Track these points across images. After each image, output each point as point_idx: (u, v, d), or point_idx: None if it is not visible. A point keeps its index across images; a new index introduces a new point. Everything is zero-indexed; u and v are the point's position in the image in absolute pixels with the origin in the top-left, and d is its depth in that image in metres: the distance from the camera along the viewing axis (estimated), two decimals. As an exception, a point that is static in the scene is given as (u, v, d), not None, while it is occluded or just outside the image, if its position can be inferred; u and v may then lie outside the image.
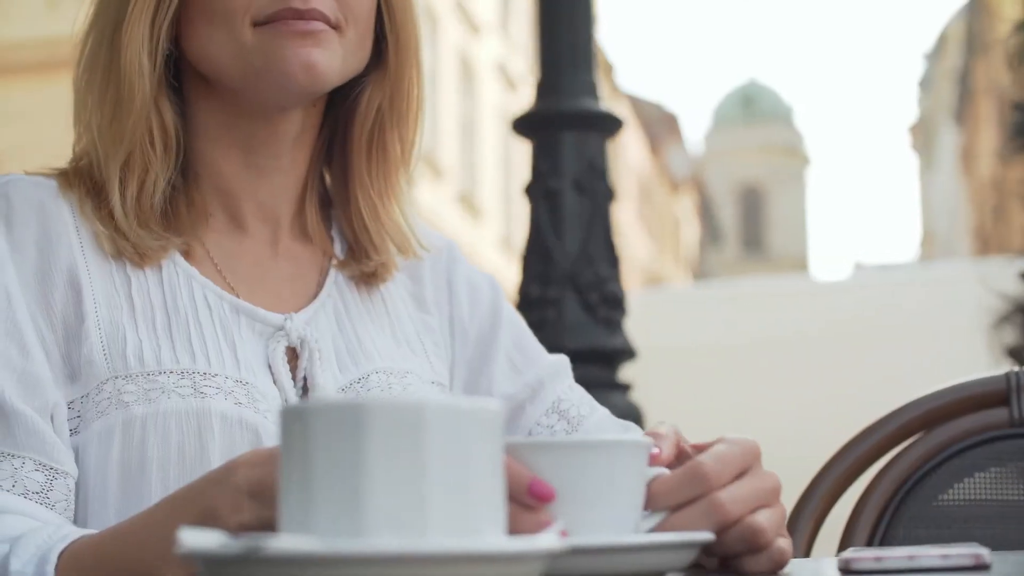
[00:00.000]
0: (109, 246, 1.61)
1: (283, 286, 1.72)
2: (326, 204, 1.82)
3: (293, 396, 1.62)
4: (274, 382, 1.62)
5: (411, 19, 1.74)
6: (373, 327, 1.75)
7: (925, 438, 1.98)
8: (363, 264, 1.77)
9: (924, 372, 8.60)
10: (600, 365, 3.75)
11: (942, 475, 1.96)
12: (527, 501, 1.14)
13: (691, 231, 68.70)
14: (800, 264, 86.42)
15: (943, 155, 65.51)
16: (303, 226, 1.77)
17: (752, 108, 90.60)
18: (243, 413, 1.56)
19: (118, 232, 1.61)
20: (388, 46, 1.72)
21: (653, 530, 1.22)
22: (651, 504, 1.23)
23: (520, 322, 1.86)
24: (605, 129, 3.86)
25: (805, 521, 1.97)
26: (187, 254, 1.66)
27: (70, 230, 1.61)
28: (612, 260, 3.79)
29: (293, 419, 0.94)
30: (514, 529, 1.08)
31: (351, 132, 1.75)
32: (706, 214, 75.97)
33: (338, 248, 1.80)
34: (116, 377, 1.54)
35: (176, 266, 1.64)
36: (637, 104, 51.91)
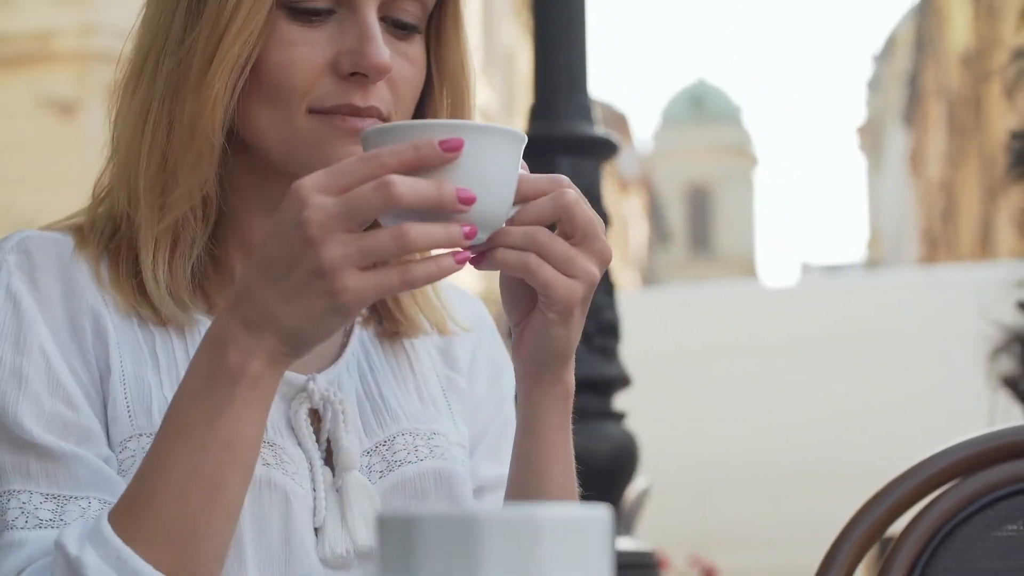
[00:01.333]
0: (127, 309, 1.57)
1: None
2: None
3: (318, 459, 1.58)
4: (298, 444, 1.58)
5: (470, 103, 1.68)
6: (398, 385, 1.70)
7: (957, 488, 1.94)
8: (389, 324, 1.73)
9: (872, 378, 8.63)
10: (595, 394, 3.69)
11: (975, 526, 1.93)
12: (457, 208, 1.31)
13: (639, 231, 68.85)
14: (747, 265, 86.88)
15: (891, 157, 65.97)
16: None
17: (701, 108, 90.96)
18: (272, 474, 1.52)
19: (139, 299, 1.56)
20: (437, 110, 1.66)
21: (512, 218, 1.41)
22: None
23: (513, 418, 1.79)
24: (601, 154, 3.83)
25: (835, 573, 1.93)
26: (209, 311, 1.61)
27: (91, 284, 1.56)
28: (608, 287, 3.75)
29: (394, 528, 0.90)
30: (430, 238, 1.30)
31: None
32: (655, 214, 76.17)
33: None
34: (140, 435, 1.50)
35: (199, 324, 1.59)
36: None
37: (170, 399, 1.48)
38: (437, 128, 1.35)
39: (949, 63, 40.77)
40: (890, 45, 58.46)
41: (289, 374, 1.58)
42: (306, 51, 1.54)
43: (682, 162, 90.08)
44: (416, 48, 1.60)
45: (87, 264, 1.57)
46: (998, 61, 30.45)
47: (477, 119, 1.63)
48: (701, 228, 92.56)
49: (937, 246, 47.53)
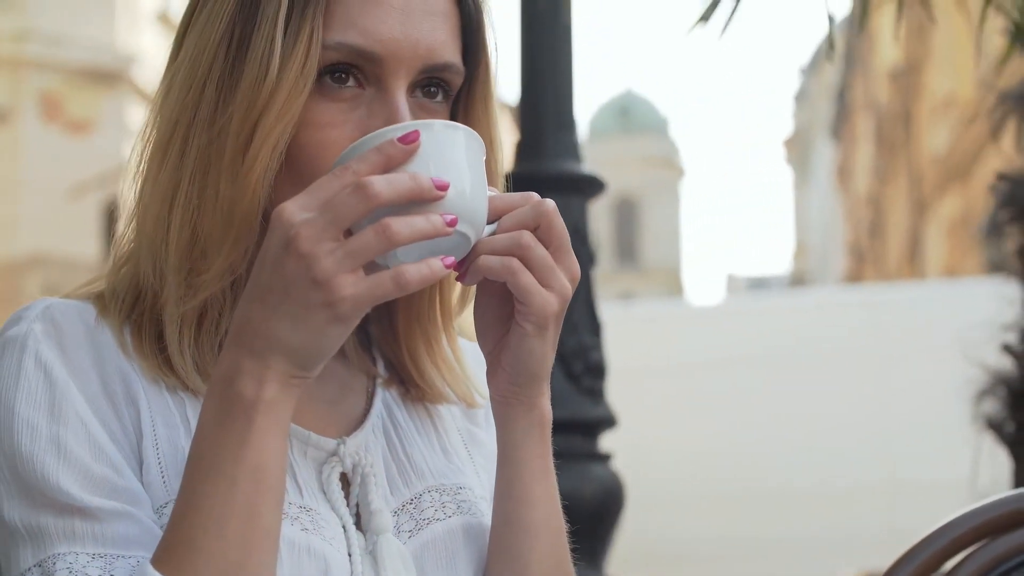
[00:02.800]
0: (157, 376, 1.55)
1: (327, 408, 1.66)
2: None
3: (351, 523, 1.57)
4: (331, 508, 1.57)
5: (500, 181, 1.66)
6: (422, 442, 1.70)
7: (983, 550, 1.92)
8: (415, 391, 1.72)
9: (793, 399, 8.68)
10: (581, 435, 3.66)
11: (1002, 590, 1.91)
12: (434, 194, 1.36)
13: (568, 241, 68.77)
14: (673, 277, 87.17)
15: (818, 170, 66.47)
16: (341, 347, 1.70)
17: (628, 119, 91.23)
18: (311, 540, 1.51)
19: (165, 369, 1.54)
20: None
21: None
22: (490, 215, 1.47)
23: None
24: (588, 192, 3.81)
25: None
26: None
27: (117, 351, 1.54)
28: (595, 328, 3.72)
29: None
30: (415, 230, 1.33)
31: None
32: (583, 225, 76.11)
33: (381, 367, 1.74)
34: (174, 501, 1.45)
35: None
36: (513, 112, 52.06)
37: None
38: (391, 131, 1.40)
39: (878, 78, 41.13)
40: (818, 58, 58.88)
41: (319, 438, 1.59)
42: (337, 133, 1.52)
43: (609, 173, 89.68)
44: None
45: (111, 332, 1.55)
46: (928, 80, 30.77)
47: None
48: (627, 240, 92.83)
49: (864, 260, 47.92)
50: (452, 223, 1.37)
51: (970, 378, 3.69)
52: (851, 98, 49.33)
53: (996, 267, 19.91)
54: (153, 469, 1.49)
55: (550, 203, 1.49)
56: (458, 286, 1.69)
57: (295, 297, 1.34)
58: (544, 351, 1.53)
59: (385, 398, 1.70)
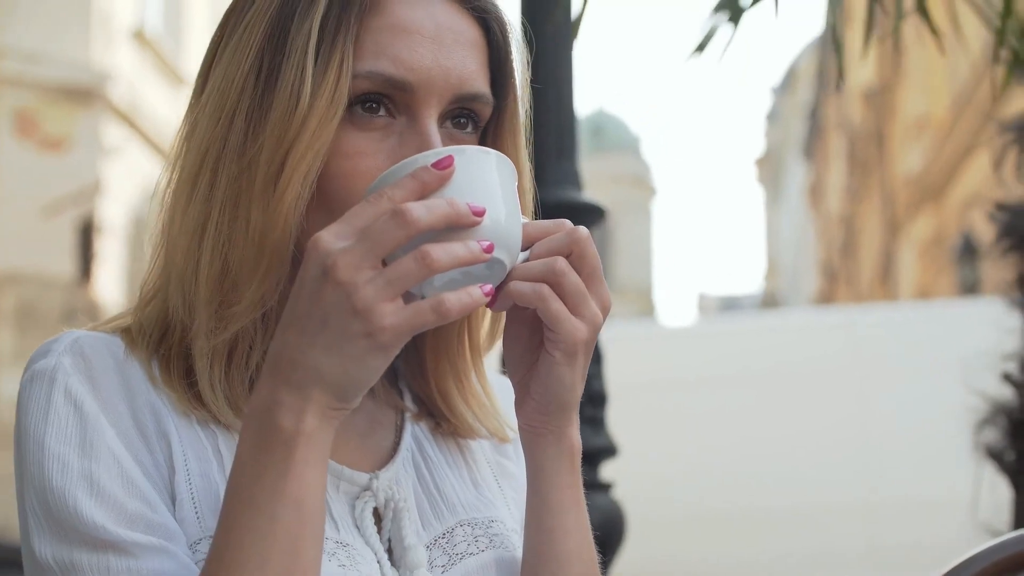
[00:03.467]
0: (187, 410, 1.53)
1: (358, 442, 1.65)
2: None
3: (385, 558, 1.56)
4: (365, 543, 1.56)
5: (528, 215, 1.66)
6: (452, 475, 1.69)
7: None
8: (446, 426, 1.72)
9: (768, 421, 8.67)
10: (582, 465, 3.63)
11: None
12: (471, 220, 1.35)
13: (540, 260, 68.82)
14: (645, 296, 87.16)
15: (790, 189, 66.59)
16: None
17: (600, 138, 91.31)
18: None
19: (195, 403, 1.53)
20: None
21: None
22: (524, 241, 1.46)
23: None
24: (590, 220, 3.79)
25: None
26: None
27: (147, 384, 1.53)
28: (596, 356, 3.71)
29: None
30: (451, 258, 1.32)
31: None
32: (555, 243, 76.20)
33: (408, 400, 1.73)
34: (210, 537, 1.46)
35: None
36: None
37: None
38: (425, 157, 1.39)
39: (851, 98, 41.22)
40: (790, 78, 59.03)
41: (352, 472, 1.58)
42: (369, 162, 1.52)
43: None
44: None
45: (140, 365, 1.54)
46: (901, 100, 30.87)
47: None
48: (600, 257, 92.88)
49: (837, 280, 48.01)
50: (489, 249, 1.36)
51: (970, 406, 3.68)
52: (823, 118, 49.44)
53: (969, 288, 19.89)
54: (187, 504, 1.48)
55: (583, 231, 1.49)
56: (487, 320, 1.69)
57: (334, 326, 1.32)
58: (573, 380, 1.51)
59: (414, 431, 1.70)
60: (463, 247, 1.34)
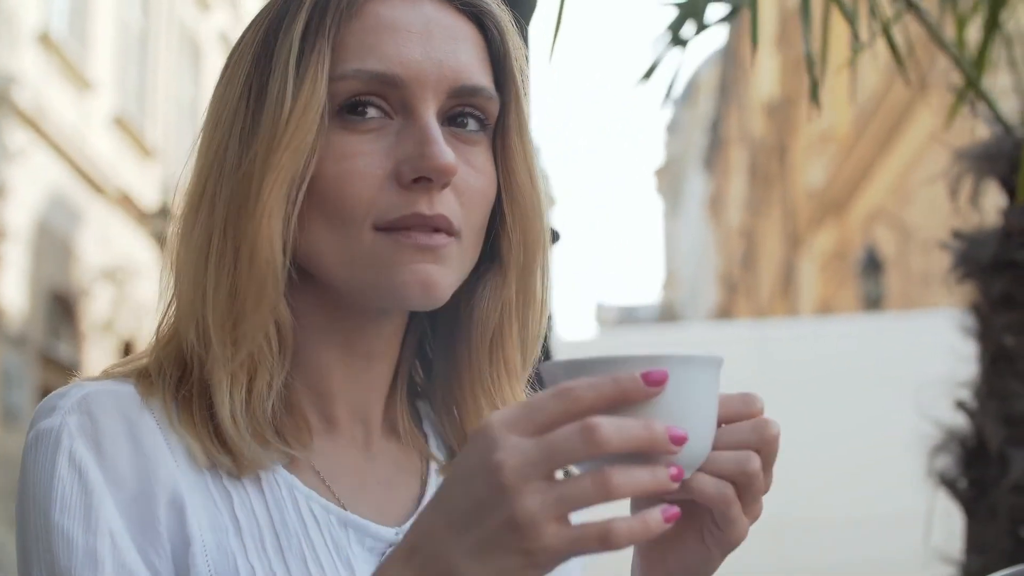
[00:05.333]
0: (203, 459, 1.45)
1: (382, 492, 1.57)
2: (412, 396, 1.68)
3: None
4: None
5: (540, 217, 1.57)
6: None
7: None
8: None
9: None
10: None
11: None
12: (668, 449, 1.17)
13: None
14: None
15: (690, 200, 67.05)
16: (392, 422, 1.62)
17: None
18: None
19: (216, 444, 1.45)
20: (510, 244, 1.56)
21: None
22: None
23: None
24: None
25: None
26: (287, 458, 1.50)
27: (160, 442, 1.44)
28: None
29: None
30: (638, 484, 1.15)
31: (471, 335, 1.60)
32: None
33: (433, 444, 1.65)
34: None
35: (276, 475, 1.48)
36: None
37: (255, 565, 1.41)
38: (632, 361, 1.21)
39: (753, 111, 41.58)
40: (691, 90, 59.37)
41: (377, 528, 1.51)
42: (365, 162, 1.45)
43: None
44: (481, 157, 1.51)
45: (156, 413, 1.46)
46: (804, 114, 31.11)
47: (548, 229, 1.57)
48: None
49: (736, 292, 48.39)
50: (678, 477, 1.19)
51: (924, 434, 3.66)
52: (725, 130, 49.84)
53: (873, 303, 20.08)
54: None
55: (775, 427, 1.33)
56: (521, 351, 1.60)
57: (487, 531, 1.18)
58: (717, 565, 1.39)
59: (438, 482, 1.61)
60: (650, 476, 1.17)
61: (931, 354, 7.50)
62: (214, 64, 24.64)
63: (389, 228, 1.44)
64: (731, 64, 44.42)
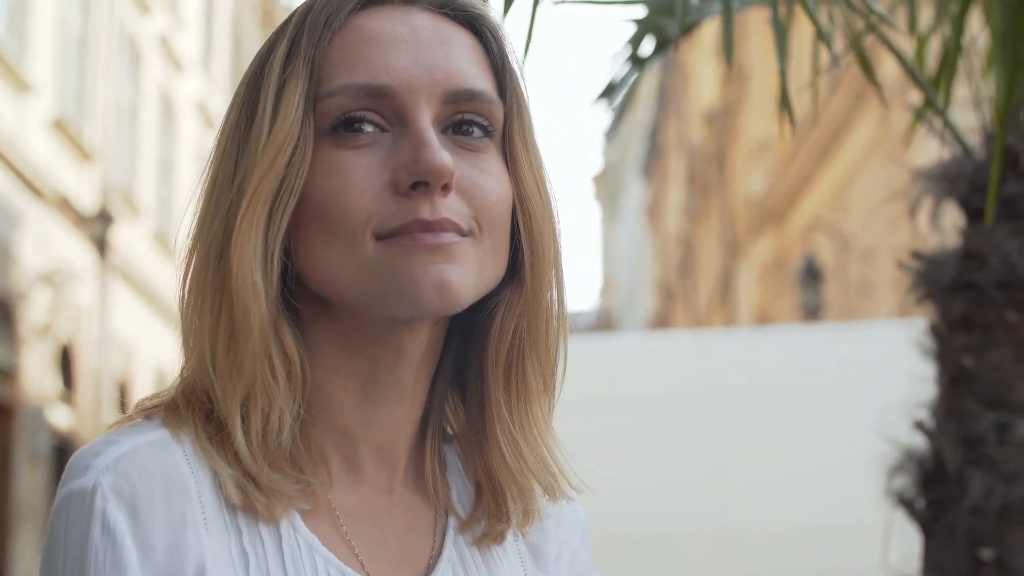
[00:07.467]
0: (237, 494, 1.40)
1: (400, 545, 1.52)
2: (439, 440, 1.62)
3: None
4: None
5: (550, 227, 1.52)
6: None
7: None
8: (493, 519, 1.55)
9: (611, 446, 8.68)
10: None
11: None
12: None
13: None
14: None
15: (628, 207, 67.18)
16: (418, 468, 1.57)
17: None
18: None
19: (246, 475, 1.40)
20: (524, 258, 1.50)
21: None
22: None
23: None
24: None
25: None
26: (307, 511, 1.45)
27: (194, 500, 1.39)
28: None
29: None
30: None
31: (485, 358, 1.53)
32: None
33: (454, 495, 1.59)
34: None
35: (296, 532, 1.44)
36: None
37: None
38: None
39: (692, 119, 41.73)
40: (629, 96, 59.37)
41: None
42: (360, 175, 1.40)
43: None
44: (491, 162, 1.46)
45: (187, 446, 1.42)
46: (743, 123, 31.26)
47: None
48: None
49: (674, 299, 48.51)
50: None
51: (882, 453, 3.66)
52: (663, 138, 49.98)
53: (811, 313, 20.09)
54: None
55: None
56: (539, 373, 1.53)
57: None
58: None
59: (458, 543, 1.57)
60: None
61: (875, 366, 7.56)
62: (153, 67, 24.54)
63: (391, 235, 1.39)
64: (670, 72, 44.52)
